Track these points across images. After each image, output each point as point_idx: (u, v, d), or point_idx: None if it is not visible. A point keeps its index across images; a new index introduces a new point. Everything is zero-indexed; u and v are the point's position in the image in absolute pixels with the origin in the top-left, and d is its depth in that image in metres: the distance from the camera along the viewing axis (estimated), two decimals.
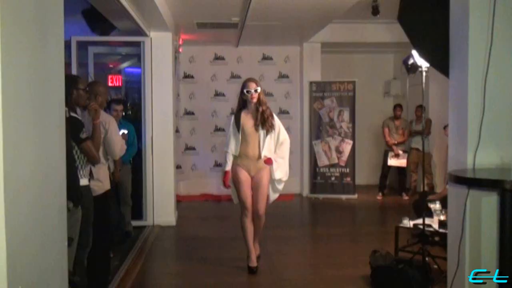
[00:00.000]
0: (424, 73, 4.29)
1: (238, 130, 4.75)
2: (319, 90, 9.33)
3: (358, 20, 8.66)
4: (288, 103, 9.83)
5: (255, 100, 4.70)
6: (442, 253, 4.68)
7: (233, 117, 4.85)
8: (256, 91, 4.69)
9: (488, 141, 3.42)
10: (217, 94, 9.74)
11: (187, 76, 9.65)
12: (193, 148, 9.72)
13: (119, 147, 4.19)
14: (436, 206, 4.76)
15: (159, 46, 6.97)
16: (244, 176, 4.77)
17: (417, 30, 3.84)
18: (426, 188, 8.92)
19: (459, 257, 3.48)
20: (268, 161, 4.79)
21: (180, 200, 8.65)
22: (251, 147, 4.76)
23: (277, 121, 4.83)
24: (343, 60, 10.54)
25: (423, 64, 4.24)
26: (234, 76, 9.74)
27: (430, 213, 5.11)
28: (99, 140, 3.82)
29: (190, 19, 7.22)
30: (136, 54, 7.47)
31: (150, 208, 7.03)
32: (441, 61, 3.80)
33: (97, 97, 4.20)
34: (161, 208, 7.06)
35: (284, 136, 4.86)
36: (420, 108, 8.73)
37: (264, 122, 4.70)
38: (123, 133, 5.37)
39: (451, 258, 3.62)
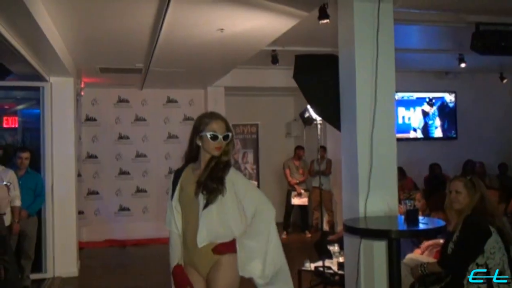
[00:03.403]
0: (319, 126, 4.62)
1: (173, 195, 2.86)
2: None
3: (260, 66, 9.06)
4: None
5: (217, 152, 2.79)
6: None
7: (172, 174, 2.95)
8: (226, 137, 2.79)
9: (376, 190, 3.76)
10: (121, 137, 9.62)
11: (89, 119, 9.45)
12: (96, 193, 9.45)
13: None
14: (335, 248, 5.06)
15: (59, 91, 6.79)
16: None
17: (310, 88, 4.19)
18: (326, 225, 9.40)
19: None
20: (218, 249, 2.76)
21: (82, 247, 8.33)
22: (191, 226, 2.80)
23: (234, 176, 2.83)
24: (247, 102, 10.88)
25: (318, 117, 4.57)
26: (138, 119, 9.70)
27: (330, 255, 5.39)
28: None
29: (92, 65, 7.17)
30: (34, 97, 7.26)
31: (50, 258, 6.69)
32: (332, 116, 4.15)
33: None
34: (62, 258, 6.75)
35: (255, 201, 2.84)
36: (323, 149, 9.27)
37: (210, 181, 2.75)
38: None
39: None
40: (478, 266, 3.43)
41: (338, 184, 9.67)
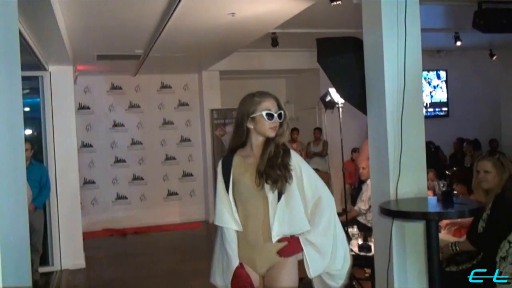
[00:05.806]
0: (340, 109, 4.63)
1: (227, 188, 2.58)
2: (220, 117, 9.47)
3: (254, 49, 8.96)
4: (189, 131, 9.84)
5: (273, 133, 2.54)
6: (359, 273, 5.06)
7: (219, 163, 2.65)
8: (280, 116, 2.56)
9: (406, 172, 3.76)
10: (116, 124, 9.46)
11: (82, 107, 9.26)
12: (93, 182, 9.31)
13: None
14: (354, 230, 5.09)
15: (59, 80, 6.64)
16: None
17: (334, 71, 4.15)
18: None
19: (388, 282, 3.78)
20: (286, 251, 2.57)
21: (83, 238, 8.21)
22: (254, 220, 2.57)
23: (297, 160, 2.63)
24: (240, 85, 10.71)
25: (339, 100, 4.56)
26: (133, 106, 9.55)
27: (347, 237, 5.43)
28: None
29: (91, 52, 6.99)
30: (28, 87, 7.07)
31: (57, 251, 6.61)
32: (357, 98, 4.13)
33: None
34: (69, 250, 6.67)
35: (319, 189, 2.63)
36: (319, 131, 9.28)
37: (273, 169, 2.52)
38: None
39: (380, 283, 3.92)
40: (509, 243, 3.49)
41: (335, 165, 9.73)
